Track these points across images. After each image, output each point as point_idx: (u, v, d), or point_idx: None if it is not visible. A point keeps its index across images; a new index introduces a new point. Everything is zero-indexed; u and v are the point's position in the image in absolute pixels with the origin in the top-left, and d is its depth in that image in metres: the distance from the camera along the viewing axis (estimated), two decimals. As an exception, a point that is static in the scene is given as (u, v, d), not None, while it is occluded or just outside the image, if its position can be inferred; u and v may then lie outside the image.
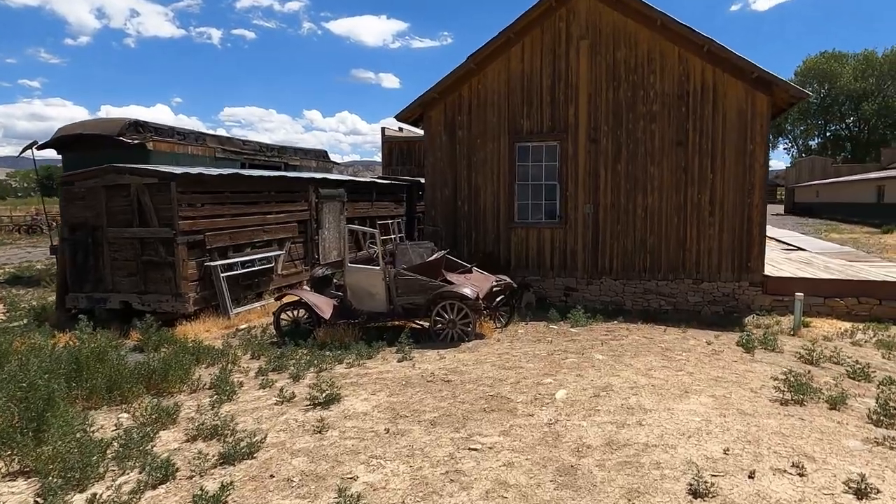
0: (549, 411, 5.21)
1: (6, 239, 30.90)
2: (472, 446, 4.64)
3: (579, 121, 12.49)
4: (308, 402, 6.45)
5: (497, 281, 9.93)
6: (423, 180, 25.56)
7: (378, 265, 9.54)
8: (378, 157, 28.76)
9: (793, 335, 9.85)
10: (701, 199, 11.97)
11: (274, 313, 10.24)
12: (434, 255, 9.92)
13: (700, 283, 12.11)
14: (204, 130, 19.71)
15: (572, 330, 9.52)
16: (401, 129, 43.08)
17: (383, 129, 39.42)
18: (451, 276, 9.54)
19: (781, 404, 5.36)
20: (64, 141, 16.95)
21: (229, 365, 8.51)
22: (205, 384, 7.68)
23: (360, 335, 9.42)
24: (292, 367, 8.15)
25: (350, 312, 9.72)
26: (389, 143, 35.95)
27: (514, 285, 10.37)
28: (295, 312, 10.16)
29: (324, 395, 6.44)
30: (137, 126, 16.29)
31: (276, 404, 6.62)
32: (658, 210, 12.21)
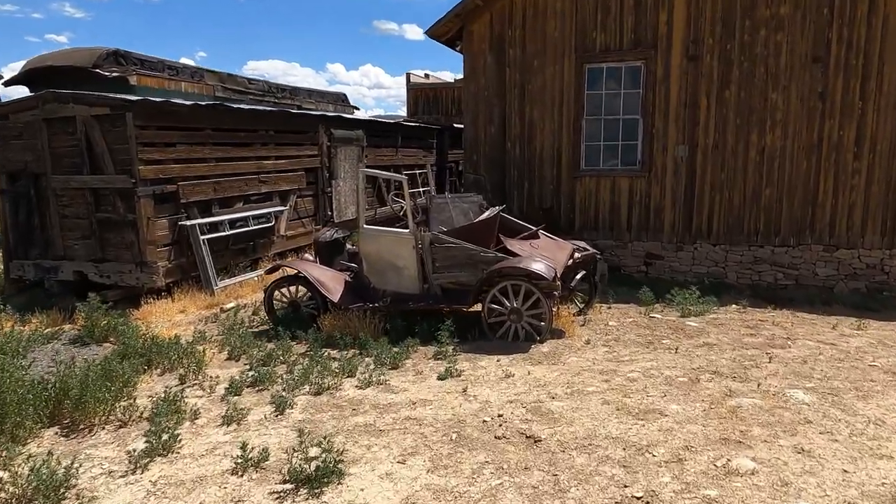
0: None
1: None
2: None
3: (673, 31, 9.07)
4: (287, 479, 3.54)
5: (575, 250, 6.82)
6: (458, 125, 22.33)
7: (407, 227, 6.50)
8: (403, 112, 25.11)
9: None
10: (843, 136, 8.59)
11: (265, 291, 7.34)
12: (485, 214, 6.84)
13: (834, 251, 8.85)
14: (201, 66, 16.57)
15: (690, 323, 6.42)
16: (427, 76, 39.33)
17: (408, 76, 35.72)
18: (511, 244, 6.46)
19: None
20: (33, 75, 13.92)
21: (191, 375, 5.68)
22: (142, 412, 4.85)
23: (381, 327, 6.48)
24: (279, 383, 5.29)
25: (367, 293, 6.77)
26: (415, 91, 32.37)
27: (599, 255, 7.27)
28: (293, 290, 7.24)
29: (314, 464, 3.51)
30: (117, 57, 13.16)
31: (232, 472, 3.75)
32: (780, 152, 8.88)
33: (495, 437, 3.73)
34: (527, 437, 3.70)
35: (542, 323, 5.85)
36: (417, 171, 15.53)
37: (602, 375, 4.66)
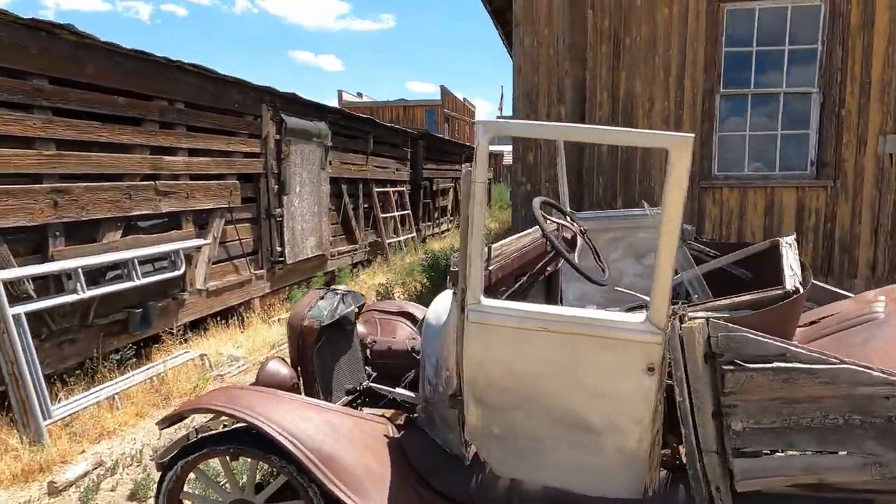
0: None
1: None
2: None
3: (881, -53, 5.30)
4: None
5: None
6: (436, 134, 17.74)
7: (597, 305, 2.03)
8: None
9: None
10: None
11: (161, 476, 2.50)
12: (791, 270, 2.48)
13: None
14: None
15: None
16: (360, 95, 34.92)
17: (340, 94, 31.41)
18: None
19: None
20: None
21: None
22: None
23: None
24: None
25: (461, 486, 2.18)
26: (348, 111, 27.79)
27: None
28: (234, 467, 2.50)
29: None
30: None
31: None
32: None
33: None
34: None
35: None
36: (391, 190, 10.96)
37: None
